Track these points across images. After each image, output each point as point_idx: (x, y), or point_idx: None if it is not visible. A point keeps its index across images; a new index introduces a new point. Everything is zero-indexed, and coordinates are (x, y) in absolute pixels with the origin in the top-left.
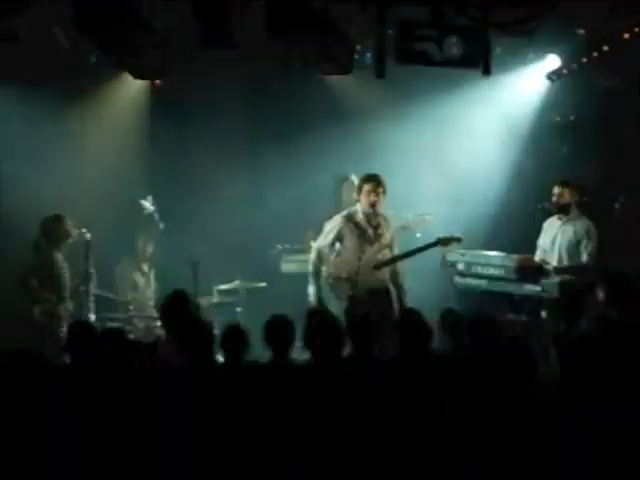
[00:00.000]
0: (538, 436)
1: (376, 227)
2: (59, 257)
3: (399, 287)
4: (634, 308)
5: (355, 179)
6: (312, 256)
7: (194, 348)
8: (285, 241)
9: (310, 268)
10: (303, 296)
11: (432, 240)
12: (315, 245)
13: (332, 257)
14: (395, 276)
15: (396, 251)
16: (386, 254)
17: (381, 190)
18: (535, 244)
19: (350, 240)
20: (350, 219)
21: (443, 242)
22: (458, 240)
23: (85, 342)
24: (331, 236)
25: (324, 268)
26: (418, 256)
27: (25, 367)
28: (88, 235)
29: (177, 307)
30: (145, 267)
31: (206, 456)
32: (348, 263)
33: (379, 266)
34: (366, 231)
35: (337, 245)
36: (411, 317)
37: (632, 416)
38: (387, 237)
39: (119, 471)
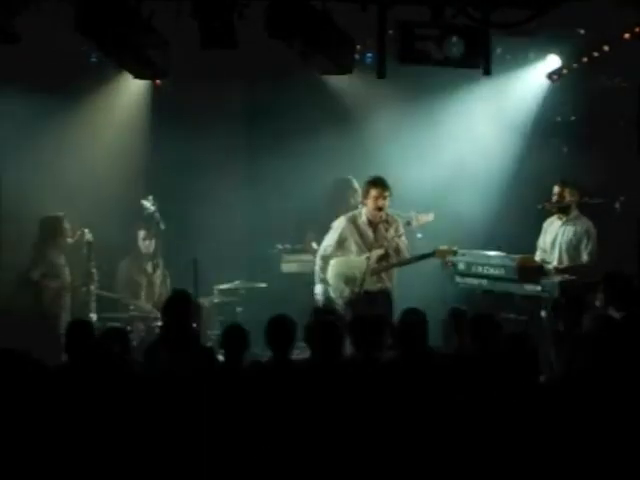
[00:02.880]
0: (540, 434)
1: (379, 231)
2: (57, 254)
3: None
4: (634, 308)
5: (355, 182)
6: (317, 261)
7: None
8: (285, 241)
9: (317, 269)
10: (303, 296)
11: (428, 251)
12: (320, 249)
13: (338, 257)
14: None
15: (406, 254)
16: (391, 257)
17: (388, 194)
18: (535, 244)
19: (351, 242)
20: (353, 221)
21: (439, 254)
22: (454, 252)
23: (84, 341)
24: (335, 236)
25: (330, 266)
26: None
27: (17, 367)
28: (90, 235)
29: (178, 307)
30: (149, 267)
31: (206, 455)
32: (354, 264)
33: (375, 272)
34: (367, 234)
35: (344, 245)
36: (413, 316)
37: (632, 415)
38: (394, 240)
39: (118, 471)
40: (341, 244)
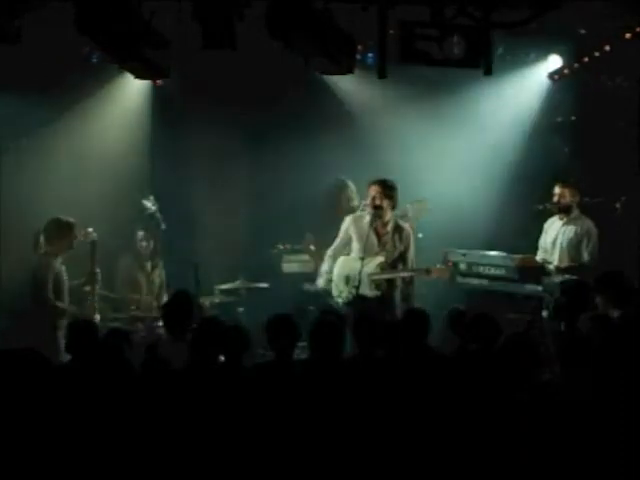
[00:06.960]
0: (539, 434)
1: (385, 236)
2: (59, 263)
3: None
4: (634, 308)
5: (351, 183)
6: (325, 259)
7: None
8: (285, 241)
9: (322, 267)
10: (304, 296)
11: (423, 267)
12: (329, 253)
13: (343, 257)
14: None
15: (409, 264)
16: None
17: (385, 193)
18: (536, 244)
19: (354, 242)
20: (356, 221)
21: (436, 272)
22: (448, 273)
23: (86, 341)
24: (341, 234)
25: (335, 265)
26: (420, 256)
27: (26, 366)
28: (94, 235)
29: (179, 307)
30: (147, 265)
31: (207, 455)
32: (352, 264)
33: (371, 279)
34: (368, 237)
35: (350, 245)
36: (415, 316)
37: (632, 415)
38: (398, 247)
39: (118, 471)
40: (348, 242)
